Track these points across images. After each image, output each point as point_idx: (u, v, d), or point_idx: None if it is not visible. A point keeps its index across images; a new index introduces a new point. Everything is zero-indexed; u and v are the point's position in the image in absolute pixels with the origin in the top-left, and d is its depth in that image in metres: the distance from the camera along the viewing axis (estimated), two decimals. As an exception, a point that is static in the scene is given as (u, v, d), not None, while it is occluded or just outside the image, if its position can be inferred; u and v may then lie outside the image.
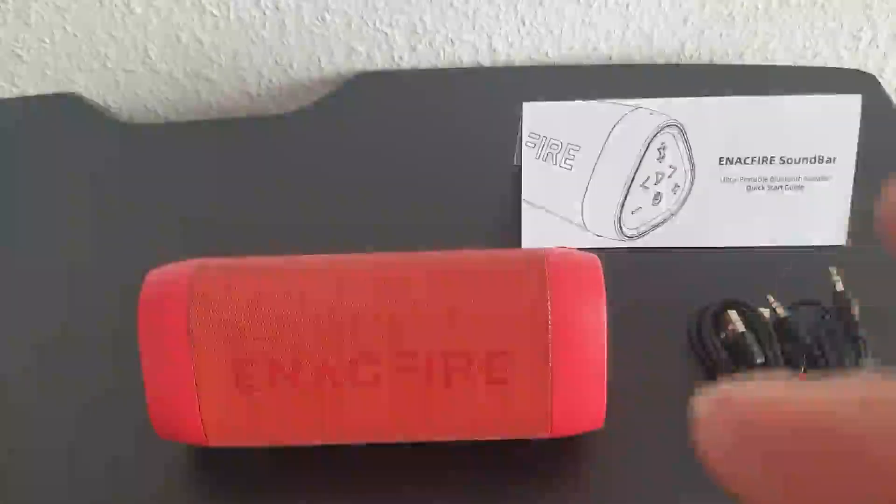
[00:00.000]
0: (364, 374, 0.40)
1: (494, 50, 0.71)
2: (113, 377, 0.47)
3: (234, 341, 0.40)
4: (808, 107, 0.52)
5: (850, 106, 0.51)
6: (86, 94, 0.71)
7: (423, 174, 0.62)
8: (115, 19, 0.69)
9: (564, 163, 0.54)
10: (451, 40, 0.70)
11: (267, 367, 0.41)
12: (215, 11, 0.68)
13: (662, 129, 0.53)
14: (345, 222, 0.58)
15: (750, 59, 0.70)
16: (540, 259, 0.41)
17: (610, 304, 0.40)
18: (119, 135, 0.67)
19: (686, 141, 0.53)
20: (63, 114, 0.69)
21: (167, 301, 0.41)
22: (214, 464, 0.44)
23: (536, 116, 0.53)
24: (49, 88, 0.71)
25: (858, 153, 0.52)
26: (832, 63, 0.71)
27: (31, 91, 0.72)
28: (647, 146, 0.53)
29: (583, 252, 0.42)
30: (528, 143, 0.54)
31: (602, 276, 0.41)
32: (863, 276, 0.50)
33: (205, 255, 0.43)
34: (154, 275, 0.43)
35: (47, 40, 0.70)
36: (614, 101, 0.52)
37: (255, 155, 0.64)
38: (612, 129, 0.53)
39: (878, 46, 0.70)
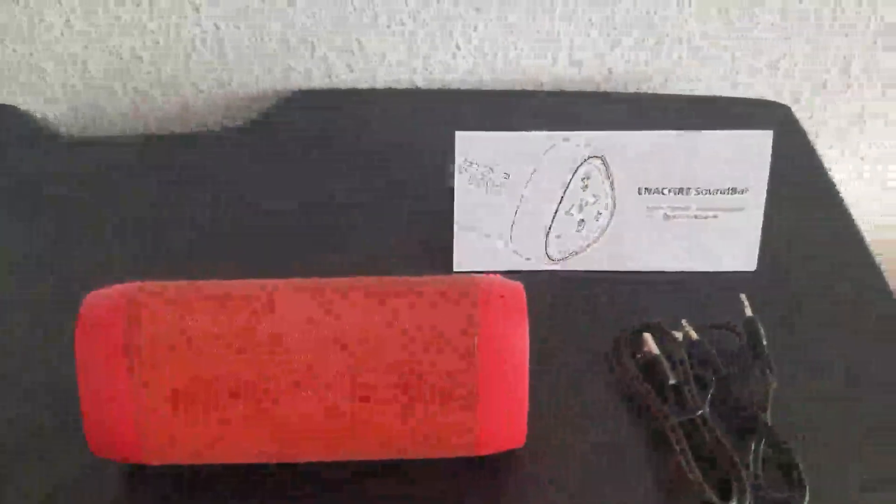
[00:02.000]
0: (298, 395, 0.42)
1: (430, 73, 0.73)
2: (50, 397, 0.48)
3: (172, 362, 0.42)
4: (722, 141, 0.55)
5: (762, 140, 0.55)
6: (23, 107, 0.71)
7: (358, 193, 0.64)
8: (55, 34, 0.69)
9: (495, 189, 0.56)
10: (388, 62, 0.72)
11: (204, 387, 0.42)
12: (154, 28, 0.69)
13: (587, 160, 0.55)
14: (279, 239, 0.60)
15: (673, 87, 0.74)
16: (469, 286, 0.44)
17: (534, 325, 0.43)
18: (55, 149, 0.68)
19: (608, 172, 0.56)
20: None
21: (105, 322, 0.42)
22: (151, 482, 0.45)
23: (469, 145, 0.55)
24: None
25: (771, 181, 0.56)
26: (752, 92, 0.74)
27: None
28: (573, 176, 0.56)
29: (509, 280, 0.45)
30: (461, 170, 0.56)
31: (525, 304, 0.43)
32: (771, 302, 0.54)
33: (137, 269, 0.45)
34: (93, 296, 0.44)
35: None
36: (542, 132, 0.55)
37: (192, 171, 0.65)
38: (541, 158, 0.55)
39: (794, 77, 0.74)
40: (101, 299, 0.44)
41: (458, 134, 0.55)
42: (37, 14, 0.68)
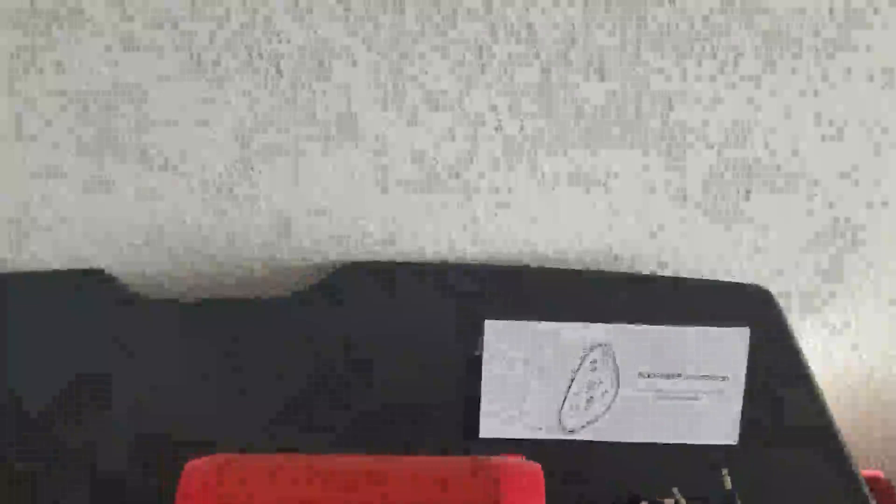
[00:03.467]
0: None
1: (456, 250, 0.85)
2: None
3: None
4: (707, 336, 0.66)
5: (740, 336, 0.66)
6: (108, 270, 0.83)
7: (400, 356, 0.75)
8: (138, 206, 0.81)
9: (518, 368, 0.67)
10: (423, 244, 0.84)
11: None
12: (227, 206, 0.81)
13: (595, 347, 0.66)
14: (327, 401, 0.70)
15: (672, 265, 0.85)
16: (493, 468, 0.54)
17: (546, 489, 0.52)
18: (135, 309, 0.79)
19: (613, 358, 0.66)
20: (85, 287, 0.81)
21: (200, 492, 0.53)
22: None
23: (496, 331, 0.66)
24: (73, 264, 0.83)
25: (752, 358, 0.66)
26: (736, 270, 0.85)
27: (56, 265, 0.83)
28: (583, 360, 0.66)
29: (528, 463, 0.55)
30: (489, 351, 0.67)
31: (543, 484, 0.54)
32: (750, 476, 0.64)
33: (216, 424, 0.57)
34: (190, 469, 0.54)
35: (72, 219, 0.81)
36: (560, 324, 0.66)
37: (249, 335, 0.76)
38: (557, 345, 0.66)
39: (773, 261, 0.86)
40: (197, 470, 0.54)
41: (487, 322, 0.66)
42: (121, 186, 0.80)
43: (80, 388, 0.71)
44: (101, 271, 0.82)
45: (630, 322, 0.67)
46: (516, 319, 0.67)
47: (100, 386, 0.72)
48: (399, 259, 0.85)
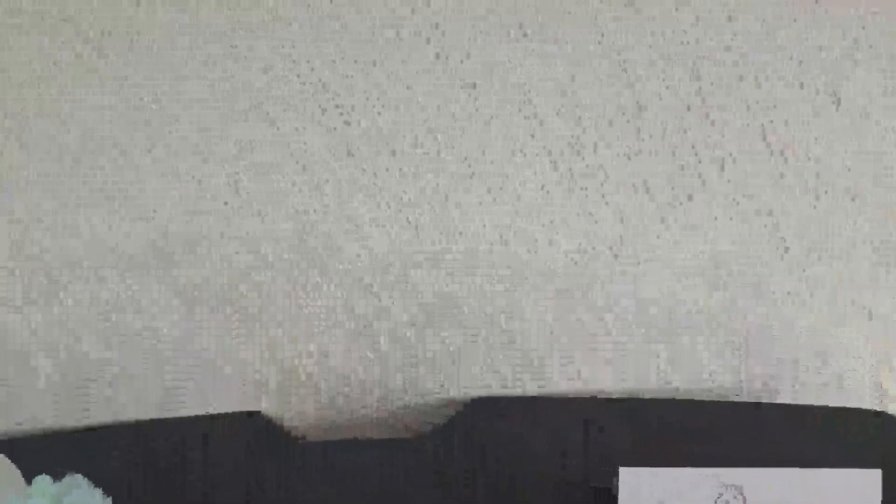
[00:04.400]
0: None
1: (582, 380, 0.89)
2: None
3: None
4: (838, 478, 0.68)
5: (872, 479, 0.68)
6: (267, 412, 0.90)
7: (532, 491, 0.79)
8: (285, 344, 0.89)
9: (652, 512, 0.71)
10: (549, 375, 0.89)
11: None
12: (371, 355, 0.88)
13: (726, 488, 0.70)
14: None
15: (786, 392, 0.87)
16: None
17: None
18: (296, 454, 0.85)
19: (743, 499, 0.70)
20: (247, 432, 0.88)
21: None
22: None
23: (631, 477, 0.70)
24: (234, 406, 0.90)
25: (886, 493, 0.68)
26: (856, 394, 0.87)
27: (216, 409, 0.90)
28: (715, 502, 0.70)
29: None
30: (623, 496, 0.71)
31: None
32: None
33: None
34: None
35: (231, 360, 0.89)
36: (693, 469, 0.70)
37: (390, 474, 0.82)
38: (690, 488, 0.70)
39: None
40: None
41: (622, 470, 0.70)
42: (279, 332, 0.88)
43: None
44: (259, 414, 0.89)
45: (758, 456, 0.70)
46: (646, 453, 0.71)
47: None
48: (529, 392, 0.90)
